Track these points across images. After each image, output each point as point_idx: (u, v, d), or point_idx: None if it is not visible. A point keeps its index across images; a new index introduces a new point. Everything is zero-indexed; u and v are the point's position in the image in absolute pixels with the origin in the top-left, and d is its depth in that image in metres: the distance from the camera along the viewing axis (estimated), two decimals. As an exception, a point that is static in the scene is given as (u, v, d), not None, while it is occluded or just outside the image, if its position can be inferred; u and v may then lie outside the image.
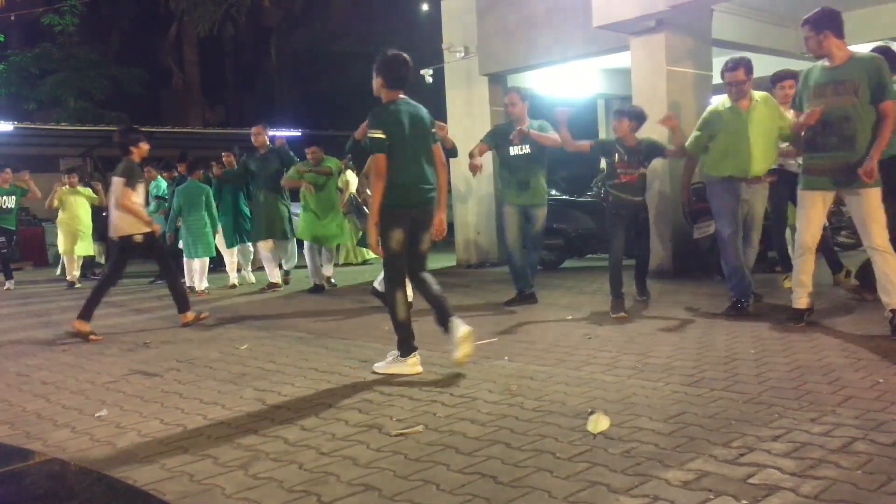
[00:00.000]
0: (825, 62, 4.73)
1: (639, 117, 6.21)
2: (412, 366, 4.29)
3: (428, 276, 4.41)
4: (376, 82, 4.33)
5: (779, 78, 6.74)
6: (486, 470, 2.69)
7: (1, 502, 1.43)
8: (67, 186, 10.79)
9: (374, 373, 4.30)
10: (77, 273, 10.85)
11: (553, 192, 7.05)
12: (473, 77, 10.37)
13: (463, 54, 10.41)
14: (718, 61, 8.71)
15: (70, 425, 3.56)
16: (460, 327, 4.18)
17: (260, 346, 5.33)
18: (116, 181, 6.22)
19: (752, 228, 5.70)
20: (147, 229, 6.22)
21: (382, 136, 4.17)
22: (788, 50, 9.76)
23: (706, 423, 3.07)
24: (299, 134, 18.21)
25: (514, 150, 6.53)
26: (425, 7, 24.05)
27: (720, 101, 5.66)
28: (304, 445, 3.08)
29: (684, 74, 8.07)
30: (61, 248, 10.85)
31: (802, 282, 4.96)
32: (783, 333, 4.77)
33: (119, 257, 6.35)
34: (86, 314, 6.05)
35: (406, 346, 4.33)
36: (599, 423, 3.09)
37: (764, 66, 9.95)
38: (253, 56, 27.86)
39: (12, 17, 19.33)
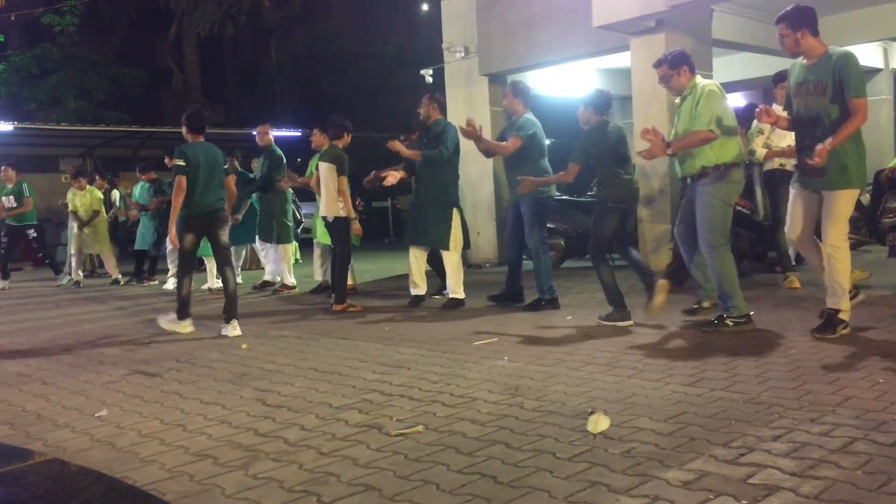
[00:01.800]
0: (804, 60, 4.67)
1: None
2: (183, 327, 5.99)
3: (229, 271, 5.99)
4: (184, 129, 6.06)
5: (780, 78, 6.74)
6: (486, 470, 2.69)
7: (1, 502, 1.43)
8: (77, 189, 10.93)
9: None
10: (81, 273, 10.91)
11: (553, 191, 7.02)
12: (473, 77, 10.37)
13: (463, 54, 10.41)
14: (718, 61, 8.75)
15: (70, 425, 3.56)
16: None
17: (260, 346, 5.33)
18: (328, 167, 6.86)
19: (699, 230, 5.06)
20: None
21: (183, 163, 5.78)
22: (788, 50, 9.76)
23: (706, 423, 3.07)
24: (299, 134, 18.21)
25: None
26: (425, 7, 24.07)
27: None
28: (304, 445, 3.08)
29: (684, 74, 8.06)
30: (73, 246, 10.95)
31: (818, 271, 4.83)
32: (783, 333, 4.77)
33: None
34: (340, 297, 6.81)
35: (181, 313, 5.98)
36: (599, 423, 3.08)
37: (764, 66, 10.00)
38: (253, 56, 27.87)
39: (12, 17, 19.32)
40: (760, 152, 6.48)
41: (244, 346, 5.37)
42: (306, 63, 26.00)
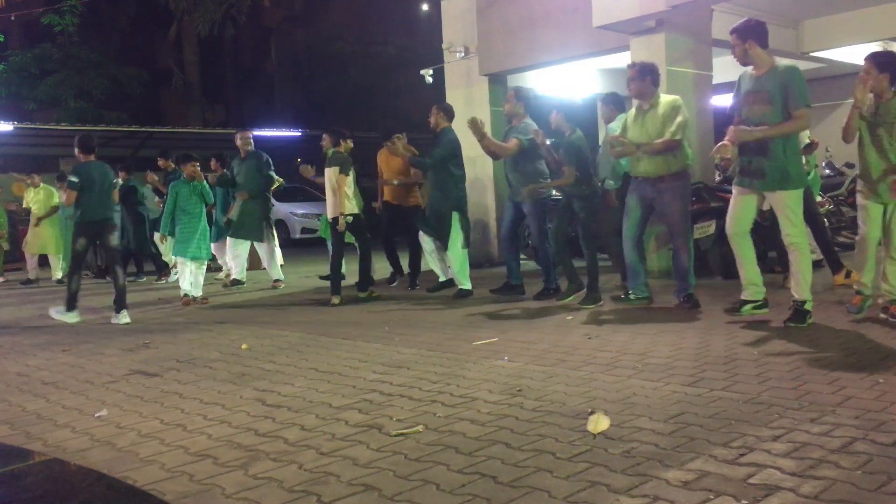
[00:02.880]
0: (752, 70, 5.00)
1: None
2: (70, 318, 6.85)
3: (118, 269, 6.93)
4: (76, 150, 6.94)
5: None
6: (486, 470, 2.69)
7: (1, 502, 1.42)
8: (31, 186, 11.20)
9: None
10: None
11: (554, 191, 7.09)
12: (473, 77, 10.37)
13: (463, 54, 10.41)
14: (718, 61, 8.75)
15: (70, 425, 3.56)
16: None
17: (260, 346, 5.33)
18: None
19: (672, 232, 5.88)
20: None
21: (76, 180, 6.69)
22: (788, 50, 9.76)
23: (706, 423, 3.07)
24: (299, 134, 18.22)
25: None
26: (425, 7, 24.07)
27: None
28: (304, 445, 3.08)
29: (684, 74, 8.07)
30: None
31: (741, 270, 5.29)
32: (783, 333, 4.77)
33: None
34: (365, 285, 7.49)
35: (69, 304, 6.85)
36: (599, 423, 3.08)
37: (764, 66, 9.98)
38: (253, 56, 27.86)
39: (12, 17, 19.33)
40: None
41: (244, 346, 5.37)
42: (306, 63, 26.00)
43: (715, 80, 8.82)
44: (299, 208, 16.68)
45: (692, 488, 2.44)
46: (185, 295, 7.78)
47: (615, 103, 6.92)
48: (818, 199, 7.61)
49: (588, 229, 6.41)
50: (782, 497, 2.34)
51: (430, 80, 10.94)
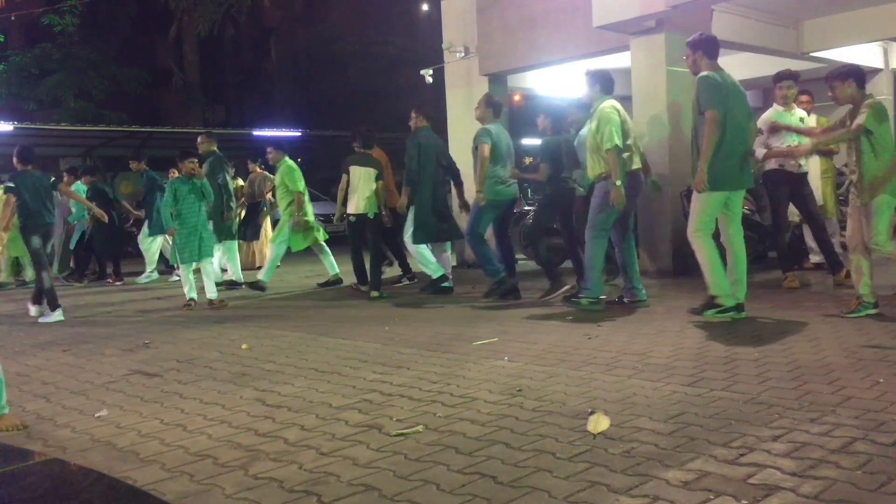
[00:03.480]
0: None
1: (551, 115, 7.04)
2: (56, 317, 7.05)
3: (43, 272, 7.20)
4: (15, 160, 7.29)
5: (780, 78, 6.76)
6: (486, 470, 2.69)
7: (1, 502, 1.43)
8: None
9: None
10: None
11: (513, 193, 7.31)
12: (473, 77, 10.36)
13: (463, 54, 10.40)
14: (719, 61, 8.74)
15: (70, 425, 3.56)
16: None
17: (260, 346, 5.33)
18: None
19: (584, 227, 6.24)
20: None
21: (14, 185, 7.03)
22: (788, 50, 9.76)
23: (706, 423, 3.07)
24: (299, 134, 18.22)
25: None
26: (425, 7, 24.05)
27: None
28: (304, 445, 3.08)
29: (684, 74, 8.04)
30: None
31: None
32: (783, 333, 4.77)
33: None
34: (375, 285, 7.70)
35: None
36: (599, 423, 3.08)
37: (764, 66, 9.99)
38: (253, 56, 27.88)
39: (12, 17, 19.32)
40: (759, 152, 6.49)
41: (244, 346, 5.37)
42: (306, 63, 26.00)
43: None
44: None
45: (692, 488, 2.44)
46: (191, 300, 7.51)
47: (587, 109, 6.84)
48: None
49: (539, 221, 7.11)
50: (782, 497, 2.34)
51: (430, 79, 10.94)
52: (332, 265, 8.81)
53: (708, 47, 5.38)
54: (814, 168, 7.40)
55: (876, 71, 11.20)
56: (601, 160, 5.87)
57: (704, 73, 5.30)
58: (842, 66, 5.30)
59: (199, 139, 9.32)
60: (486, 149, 6.91)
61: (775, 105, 6.79)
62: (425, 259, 7.65)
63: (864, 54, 10.77)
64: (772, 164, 6.70)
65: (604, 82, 6.05)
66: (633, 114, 8.56)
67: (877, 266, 7.65)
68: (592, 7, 7.86)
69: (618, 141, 5.71)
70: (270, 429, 3.33)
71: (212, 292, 7.51)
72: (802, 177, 6.77)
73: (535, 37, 9.45)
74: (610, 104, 5.92)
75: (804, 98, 7.29)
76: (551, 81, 10.88)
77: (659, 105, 8.02)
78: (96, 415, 3.71)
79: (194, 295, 7.54)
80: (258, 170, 11.15)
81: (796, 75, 6.78)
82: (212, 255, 7.91)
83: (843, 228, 8.72)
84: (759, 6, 8.91)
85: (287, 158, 8.75)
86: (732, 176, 5.30)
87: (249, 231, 11.17)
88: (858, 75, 5.21)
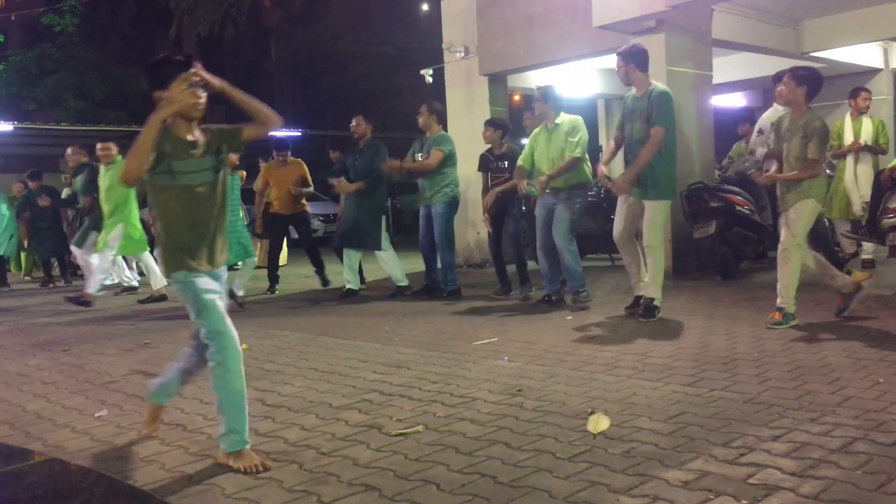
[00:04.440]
0: (635, 91, 5.57)
1: (503, 126, 7.20)
2: None
3: None
4: None
5: (780, 78, 6.75)
6: (486, 470, 2.69)
7: (1, 502, 1.43)
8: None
9: None
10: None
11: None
12: (473, 77, 10.37)
13: (463, 54, 10.41)
14: (718, 61, 8.75)
15: (70, 425, 3.56)
16: None
17: (260, 346, 5.33)
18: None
19: (554, 235, 6.25)
20: None
21: None
22: (788, 50, 9.76)
23: (706, 423, 3.07)
24: (299, 134, 18.20)
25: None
26: (425, 7, 24.05)
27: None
28: (304, 445, 3.08)
29: (684, 74, 8.07)
30: None
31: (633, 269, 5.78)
32: (783, 333, 4.77)
33: None
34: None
35: None
36: (599, 423, 3.09)
37: (764, 66, 10.00)
38: (253, 56, 27.86)
39: (12, 17, 19.33)
40: (760, 152, 6.49)
41: (244, 346, 5.35)
42: (306, 63, 25.99)
43: (715, 80, 8.83)
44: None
45: (692, 488, 2.44)
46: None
47: (554, 99, 6.59)
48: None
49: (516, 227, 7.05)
50: (782, 497, 2.34)
51: (430, 80, 10.94)
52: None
53: (640, 60, 5.53)
54: (858, 173, 7.54)
55: (876, 71, 11.20)
56: (573, 169, 6.10)
57: (664, 88, 5.50)
58: (804, 69, 5.26)
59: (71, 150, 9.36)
60: (440, 156, 7.08)
61: (776, 105, 6.80)
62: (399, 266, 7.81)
63: (864, 54, 10.77)
64: (773, 164, 6.69)
65: (556, 99, 6.31)
66: (633, 114, 8.56)
67: (877, 265, 7.66)
68: (592, 7, 7.86)
69: (580, 152, 6.10)
70: (270, 429, 3.33)
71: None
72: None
73: (535, 37, 9.45)
74: (575, 116, 6.26)
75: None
76: (551, 81, 10.87)
77: (659, 105, 8.01)
78: (96, 415, 3.71)
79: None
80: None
81: None
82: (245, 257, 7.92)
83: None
84: (759, 6, 8.91)
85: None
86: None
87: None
88: (814, 84, 5.13)
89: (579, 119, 6.24)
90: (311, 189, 8.67)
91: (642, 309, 5.52)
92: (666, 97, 5.42)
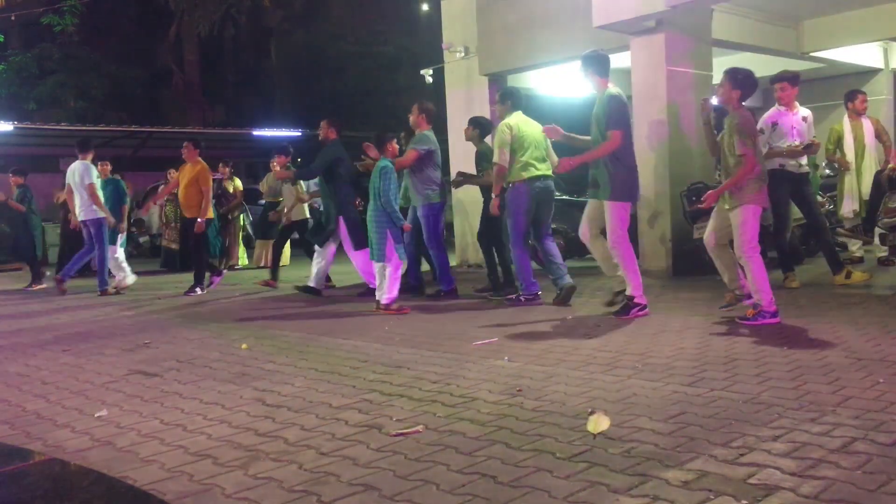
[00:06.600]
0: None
1: (480, 125, 7.42)
2: None
3: None
4: None
5: (779, 78, 6.79)
6: (486, 470, 2.69)
7: (1, 502, 1.43)
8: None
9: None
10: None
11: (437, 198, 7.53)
12: (473, 77, 10.37)
13: (463, 54, 10.41)
14: (718, 61, 8.74)
15: (70, 425, 3.56)
16: None
17: (260, 346, 5.33)
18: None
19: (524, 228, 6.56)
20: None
21: None
22: (788, 50, 9.76)
23: (706, 423, 3.07)
24: (299, 134, 18.20)
25: None
26: (425, 7, 24.05)
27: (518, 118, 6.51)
28: (304, 445, 3.08)
29: (684, 74, 8.07)
30: None
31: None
32: (783, 334, 4.77)
33: None
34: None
35: None
36: (599, 423, 3.08)
37: (764, 66, 9.98)
38: (253, 56, 27.85)
39: (12, 17, 19.33)
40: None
41: (244, 346, 5.37)
42: (306, 63, 25.97)
43: (715, 80, 8.81)
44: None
45: (692, 488, 2.44)
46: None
47: (514, 99, 6.81)
48: (818, 199, 7.63)
49: (489, 225, 7.22)
50: (782, 497, 2.34)
51: (430, 80, 10.95)
52: None
53: (600, 67, 5.71)
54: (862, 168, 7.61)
55: (876, 71, 11.20)
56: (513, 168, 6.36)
57: (614, 92, 5.63)
58: (742, 72, 5.31)
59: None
60: (415, 155, 7.11)
61: (777, 105, 6.81)
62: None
63: (864, 54, 10.77)
64: (773, 164, 6.70)
65: (515, 98, 6.54)
66: (634, 113, 8.56)
67: (877, 265, 7.67)
68: (592, 7, 7.86)
69: (497, 158, 6.33)
70: (270, 429, 3.33)
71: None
72: (803, 176, 6.78)
73: (535, 37, 9.45)
74: (505, 122, 6.41)
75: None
76: (551, 81, 10.88)
77: (659, 105, 8.03)
78: (96, 415, 3.71)
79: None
80: (277, 168, 10.99)
81: (791, 77, 6.78)
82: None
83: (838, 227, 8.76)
84: (759, 6, 8.91)
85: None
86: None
87: (270, 230, 11.08)
88: (748, 89, 5.27)
89: (501, 125, 6.42)
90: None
91: (621, 306, 5.71)
92: (615, 101, 5.56)
